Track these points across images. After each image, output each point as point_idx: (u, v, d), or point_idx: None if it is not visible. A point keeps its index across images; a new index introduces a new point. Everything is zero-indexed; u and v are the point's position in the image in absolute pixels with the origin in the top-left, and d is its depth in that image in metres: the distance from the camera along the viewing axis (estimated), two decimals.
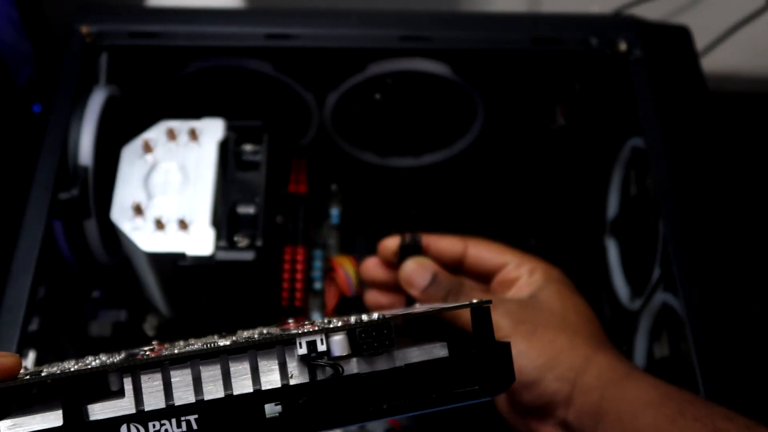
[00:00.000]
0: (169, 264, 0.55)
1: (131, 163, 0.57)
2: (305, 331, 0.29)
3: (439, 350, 0.31)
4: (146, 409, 0.28)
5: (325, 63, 0.64)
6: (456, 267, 0.47)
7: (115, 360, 0.30)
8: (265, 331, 0.34)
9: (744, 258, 0.53)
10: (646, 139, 0.58)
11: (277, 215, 0.66)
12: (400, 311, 0.32)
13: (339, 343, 0.29)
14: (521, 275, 0.45)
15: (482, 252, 0.46)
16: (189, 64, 0.64)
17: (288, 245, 0.65)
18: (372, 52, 0.63)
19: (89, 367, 0.28)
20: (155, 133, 0.59)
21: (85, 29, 0.61)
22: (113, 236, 0.58)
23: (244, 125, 0.60)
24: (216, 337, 0.38)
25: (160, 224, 0.54)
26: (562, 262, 0.72)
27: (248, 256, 0.55)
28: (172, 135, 0.58)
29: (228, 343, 0.29)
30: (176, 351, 0.29)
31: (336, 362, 0.29)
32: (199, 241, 0.54)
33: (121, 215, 0.55)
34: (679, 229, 0.54)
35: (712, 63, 0.83)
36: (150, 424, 0.28)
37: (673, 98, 0.61)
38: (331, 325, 0.29)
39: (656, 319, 0.58)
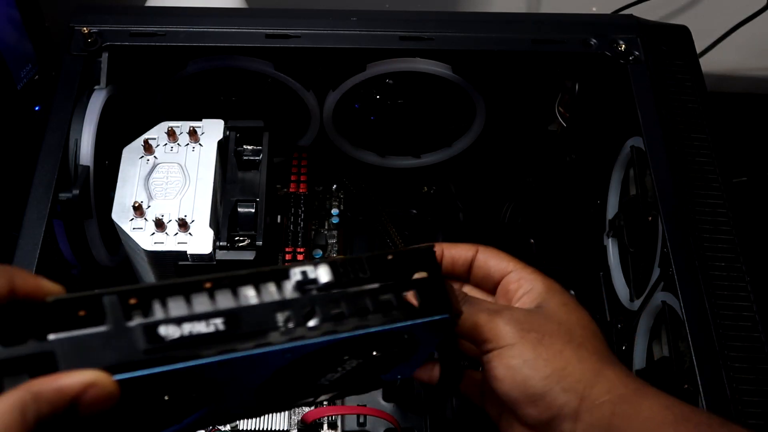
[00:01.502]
0: (169, 263, 0.55)
1: (132, 163, 0.57)
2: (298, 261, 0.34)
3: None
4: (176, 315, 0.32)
5: (325, 63, 0.64)
6: (465, 274, 0.47)
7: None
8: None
9: (744, 258, 0.53)
10: (645, 139, 0.59)
11: (277, 215, 0.66)
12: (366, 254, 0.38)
13: (325, 273, 0.36)
14: (522, 285, 0.45)
15: (489, 258, 0.46)
16: (189, 64, 0.64)
17: (288, 245, 0.66)
18: (372, 52, 0.63)
19: (127, 288, 0.31)
20: (156, 134, 0.59)
21: (85, 29, 0.61)
22: (114, 236, 0.58)
23: (244, 125, 0.60)
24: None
25: (160, 224, 0.54)
26: (562, 262, 0.73)
27: (248, 255, 0.55)
28: (172, 135, 0.59)
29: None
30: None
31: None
32: (200, 240, 0.54)
33: (121, 215, 0.55)
34: (679, 229, 0.54)
35: (712, 63, 0.83)
36: (185, 324, 0.32)
37: (673, 98, 0.61)
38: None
39: (656, 319, 0.58)
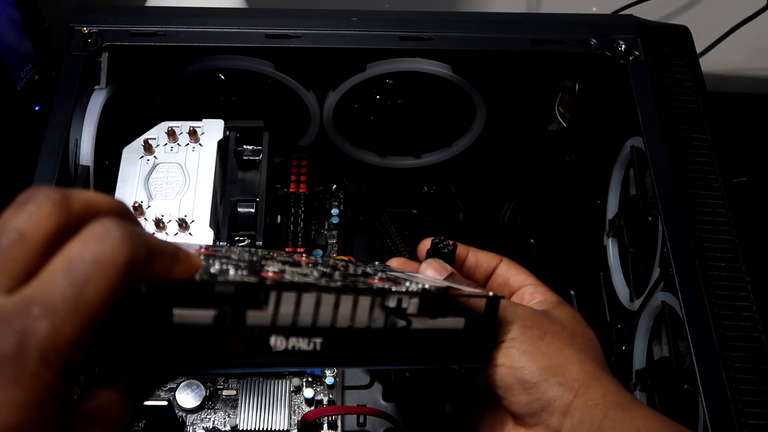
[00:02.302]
0: None
1: (132, 163, 0.58)
2: (396, 290, 0.37)
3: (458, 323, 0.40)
4: (284, 324, 0.33)
5: (325, 63, 0.64)
6: (484, 279, 0.49)
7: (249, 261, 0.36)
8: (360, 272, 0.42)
9: (744, 258, 0.53)
10: (645, 139, 0.59)
11: (277, 215, 0.66)
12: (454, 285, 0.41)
13: (414, 306, 0.38)
14: (535, 297, 0.47)
15: (510, 269, 0.48)
16: (189, 64, 0.64)
17: (288, 245, 0.66)
18: (372, 52, 0.63)
19: (249, 281, 0.32)
20: (156, 134, 0.59)
21: (85, 29, 0.61)
22: None
23: (244, 125, 0.60)
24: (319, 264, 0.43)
25: (160, 224, 0.54)
26: (562, 262, 0.73)
27: None
28: (172, 135, 0.59)
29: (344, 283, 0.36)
30: (303, 277, 0.35)
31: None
32: (200, 240, 0.54)
33: None
34: (679, 229, 0.54)
35: (712, 63, 0.83)
36: (292, 338, 0.34)
37: (673, 98, 0.61)
38: (413, 289, 0.38)
39: (656, 319, 0.58)
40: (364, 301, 0.36)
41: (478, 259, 0.49)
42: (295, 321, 0.34)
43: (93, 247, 0.26)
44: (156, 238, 0.30)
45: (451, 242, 0.48)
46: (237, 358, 0.32)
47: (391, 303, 0.37)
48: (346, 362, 0.37)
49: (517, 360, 0.41)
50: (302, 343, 0.34)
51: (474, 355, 0.41)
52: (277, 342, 0.33)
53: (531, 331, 0.42)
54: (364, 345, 0.37)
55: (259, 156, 0.59)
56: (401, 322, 0.37)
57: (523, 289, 0.47)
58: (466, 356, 0.41)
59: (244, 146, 0.60)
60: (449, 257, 0.48)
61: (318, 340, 0.35)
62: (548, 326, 0.43)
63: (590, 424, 0.40)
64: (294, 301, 0.33)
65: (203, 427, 0.60)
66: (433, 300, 0.39)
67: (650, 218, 0.59)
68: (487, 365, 0.42)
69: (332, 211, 0.72)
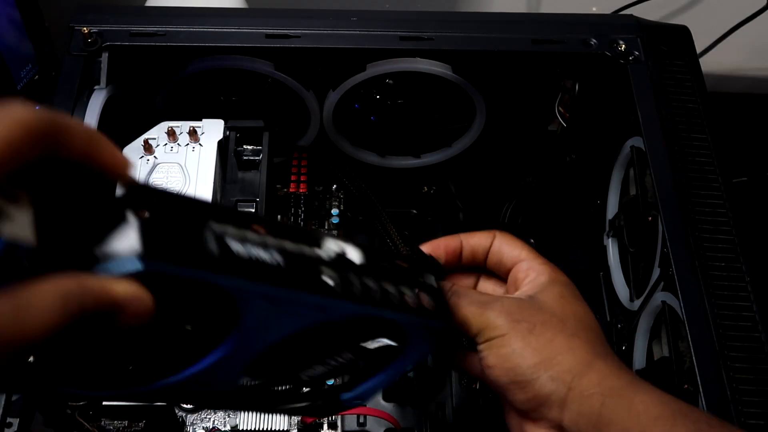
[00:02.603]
0: None
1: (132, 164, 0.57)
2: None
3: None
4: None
5: (325, 63, 0.64)
6: (484, 262, 0.48)
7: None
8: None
9: (744, 258, 0.53)
10: (645, 139, 0.59)
11: (277, 215, 0.66)
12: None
13: (357, 256, 0.38)
14: (529, 275, 0.46)
15: (503, 245, 0.47)
16: (189, 64, 0.64)
17: None
18: (372, 52, 0.63)
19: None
20: (156, 134, 0.59)
21: (85, 29, 0.61)
22: None
23: (244, 125, 0.60)
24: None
25: None
26: (562, 262, 0.73)
27: None
28: (172, 135, 0.59)
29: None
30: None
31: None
32: None
33: None
34: (679, 229, 0.54)
35: (712, 63, 0.83)
36: (250, 247, 0.32)
37: (673, 98, 0.61)
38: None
39: (656, 319, 0.58)
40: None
41: (472, 245, 0.48)
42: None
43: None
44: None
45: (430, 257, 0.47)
46: (205, 257, 0.31)
47: (335, 248, 0.37)
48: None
49: (508, 360, 0.41)
50: (264, 255, 0.33)
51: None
52: (237, 247, 0.32)
53: (520, 326, 0.42)
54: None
55: (259, 156, 0.59)
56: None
57: (518, 266, 0.46)
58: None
59: (244, 146, 0.60)
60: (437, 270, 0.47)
61: (279, 257, 0.34)
62: (537, 316, 0.42)
63: (589, 415, 0.40)
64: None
65: (203, 427, 0.60)
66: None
67: (650, 218, 0.59)
68: (483, 367, 0.42)
69: (332, 211, 0.72)
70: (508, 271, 0.47)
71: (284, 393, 0.41)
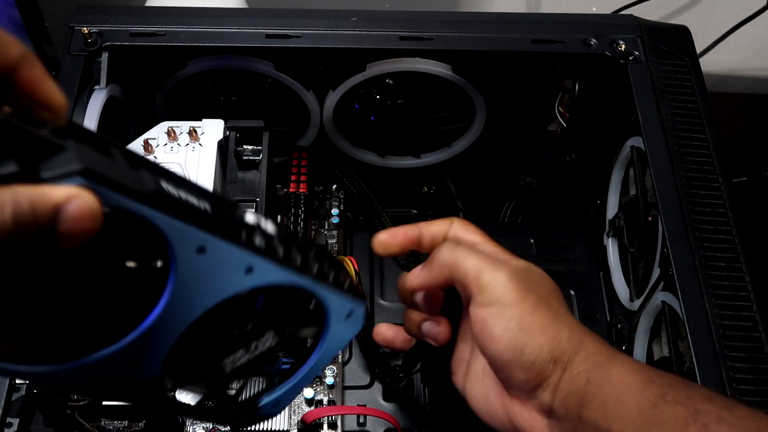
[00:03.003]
0: None
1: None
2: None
3: None
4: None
5: (325, 63, 0.64)
6: None
7: None
8: None
9: (744, 258, 0.53)
10: (645, 139, 0.59)
11: (277, 215, 0.66)
12: None
13: (272, 228, 0.36)
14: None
15: (458, 230, 0.47)
16: (189, 64, 0.64)
17: None
18: (372, 52, 0.63)
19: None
20: (156, 134, 0.59)
21: (85, 29, 0.61)
22: None
23: (244, 125, 0.60)
24: None
25: None
26: (562, 262, 0.73)
27: None
28: (172, 135, 0.59)
29: None
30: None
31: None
32: None
33: None
34: (679, 229, 0.54)
35: (712, 63, 0.83)
36: (182, 191, 0.32)
37: (673, 98, 0.61)
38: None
39: (656, 319, 0.58)
40: None
41: (431, 232, 0.47)
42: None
43: None
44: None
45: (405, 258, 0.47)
46: (141, 192, 0.30)
47: (252, 218, 0.36)
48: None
49: (517, 337, 0.40)
50: (193, 199, 0.32)
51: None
52: (169, 188, 0.31)
53: (529, 297, 0.40)
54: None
55: (259, 156, 0.59)
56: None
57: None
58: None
59: (244, 146, 0.60)
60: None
61: (207, 204, 0.33)
62: (541, 290, 0.41)
63: (575, 394, 0.40)
64: None
65: (203, 427, 0.60)
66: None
67: (650, 218, 0.59)
68: (484, 338, 0.41)
69: (332, 211, 0.72)
70: None
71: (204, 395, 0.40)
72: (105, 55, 0.61)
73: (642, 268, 0.62)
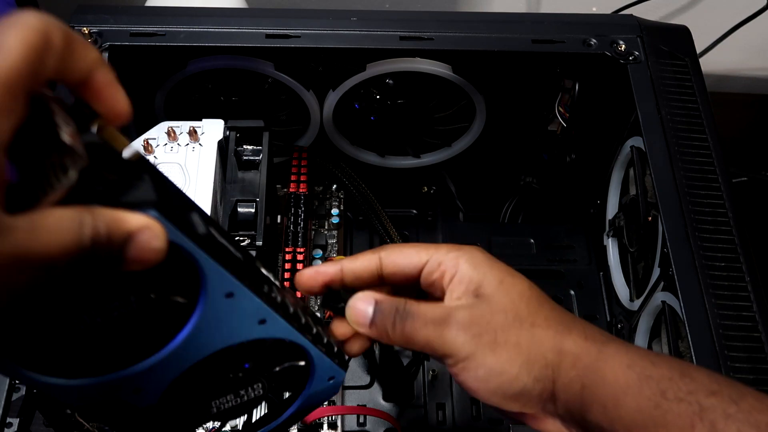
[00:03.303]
0: None
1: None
2: None
3: None
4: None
5: (325, 63, 0.64)
6: (378, 282, 0.44)
7: None
8: None
9: (744, 258, 0.53)
10: (645, 139, 0.59)
11: (277, 215, 0.66)
12: None
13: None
14: (445, 272, 0.42)
15: (395, 258, 0.43)
16: (189, 64, 0.64)
17: (288, 245, 0.66)
18: (372, 52, 0.63)
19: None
20: (156, 134, 0.59)
21: (85, 29, 0.61)
22: None
23: (244, 125, 0.60)
24: None
25: None
26: (562, 263, 0.73)
27: None
28: (172, 135, 0.58)
29: None
30: None
31: None
32: None
33: None
34: (679, 229, 0.54)
35: (712, 63, 0.83)
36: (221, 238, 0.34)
37: (673, 98, 0.61)
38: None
39: (656, 319, 0.58)
40: None
41: (354, 270, 0.43)
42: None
43: (14, 17, 0.28)
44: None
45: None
46: (198, 232, 0.32)
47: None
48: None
49: (490, 381, 0.39)
50: (232, 249, 0.34)
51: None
52: (216, 234, 0.33)
53: (483, 339, 0.39)
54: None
55: (259, 156, 0.59)
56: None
57: (426, 270, 0.42)
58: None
59: (244, 146, 0.60)
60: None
61: (239, 254, 0.35)
62: (494, 322, 0.40)
63: (574, 401, 0.39)
64: None
65: (204, 427, 0.60)
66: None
67: (650, 218, 0.59)
68: (467, 389, 0.40)
69: (332, 211, 0.72)
70: (417, 280, 0.43)
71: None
72: (105, 56, 0.61)
73: (642, 268, 0.62)
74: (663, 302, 0.55)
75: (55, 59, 0.28)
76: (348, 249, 0.72)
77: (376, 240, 0.72)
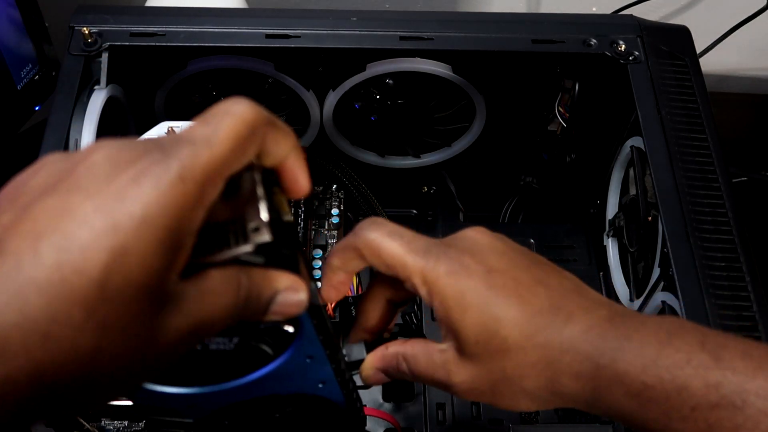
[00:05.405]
0: None
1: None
2: None
3: None
4: None
5: (325, 63, 0.64)
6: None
7: None
8: None
9: (743, 258, 0.53)
10: (645, 139, 0.59)
11: None
12: None
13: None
14: (432, 295, 0.38)
15: (349, 264, 0.45)
16: (189, 64, 0.64)
17: None
18: (372, 52, 0.63)
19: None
20: (156, 134, 0.59)
21: (85, 29, 0.61)
22: None
23: None
24: None
25: None
26: (562, 263, 0.73)
27: None
28: None
29: None
30: None
31: None
32: None
33: None
34: (679, 229, 0.54)
35: (712, 63, 0.83)
36: None
37: (673, 98, 0.61)
38: None
39: None
40: None
41: (367, 313, 0.43)
42: None
43: (225, 106, 0.30)
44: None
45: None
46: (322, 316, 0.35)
47: None
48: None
49: (476, 389, 0.38)
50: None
51: None
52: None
53: (484, 394, 0.38)
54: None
55: None
56: None
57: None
58: None
59: None
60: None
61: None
62: (492, 376, 0.37)
63: (581, 397, 0.36)
64: None
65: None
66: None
67: (650, 218, 0.59)
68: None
69: (332, 211, 0.72)
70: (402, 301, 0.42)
71: None
72: (105, 56, 0.61)
73: (642, 268, 0.62)
74: (663, 302, 0.55)
75: (257, 147, 0.30)
76: None
77: None
